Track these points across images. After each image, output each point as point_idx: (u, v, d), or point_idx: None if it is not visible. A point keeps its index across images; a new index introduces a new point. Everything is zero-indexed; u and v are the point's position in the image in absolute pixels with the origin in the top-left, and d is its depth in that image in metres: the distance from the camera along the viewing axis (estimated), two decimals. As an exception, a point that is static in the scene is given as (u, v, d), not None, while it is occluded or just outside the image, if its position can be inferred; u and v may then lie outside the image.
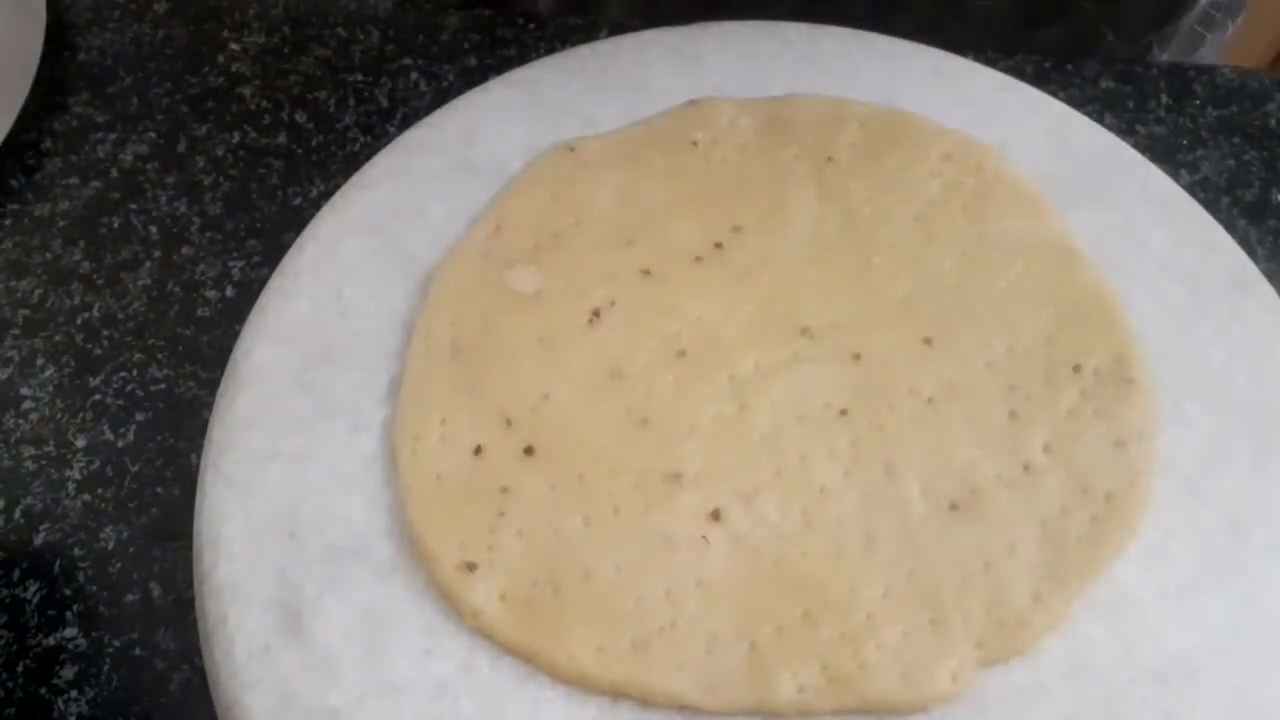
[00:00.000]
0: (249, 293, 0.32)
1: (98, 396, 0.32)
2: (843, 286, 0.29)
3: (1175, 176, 0.32)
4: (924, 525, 0.26)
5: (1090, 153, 0.32)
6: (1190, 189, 0.32)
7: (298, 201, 0.35)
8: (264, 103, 0.38)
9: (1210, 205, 0.31)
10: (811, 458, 0.26)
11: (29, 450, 0.31)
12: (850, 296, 0.29)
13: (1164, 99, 0.37)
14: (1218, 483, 0.26)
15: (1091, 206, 0.31)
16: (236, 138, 0.37)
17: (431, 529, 0.26)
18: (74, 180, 0.36)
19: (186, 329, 0.33)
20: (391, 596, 0.25)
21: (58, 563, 0.29)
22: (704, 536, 0.25)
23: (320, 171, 0.36)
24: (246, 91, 0.38)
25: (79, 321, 0.33)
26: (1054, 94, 0.34)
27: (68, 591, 0.29)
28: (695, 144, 0.32)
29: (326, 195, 0.32)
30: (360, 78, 0.38)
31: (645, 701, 0.24)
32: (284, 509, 0.26)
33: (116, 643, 0.28)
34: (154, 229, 0.35)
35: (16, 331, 0.33)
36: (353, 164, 0.32)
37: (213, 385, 0.29)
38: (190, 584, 0.26)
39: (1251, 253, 0.30)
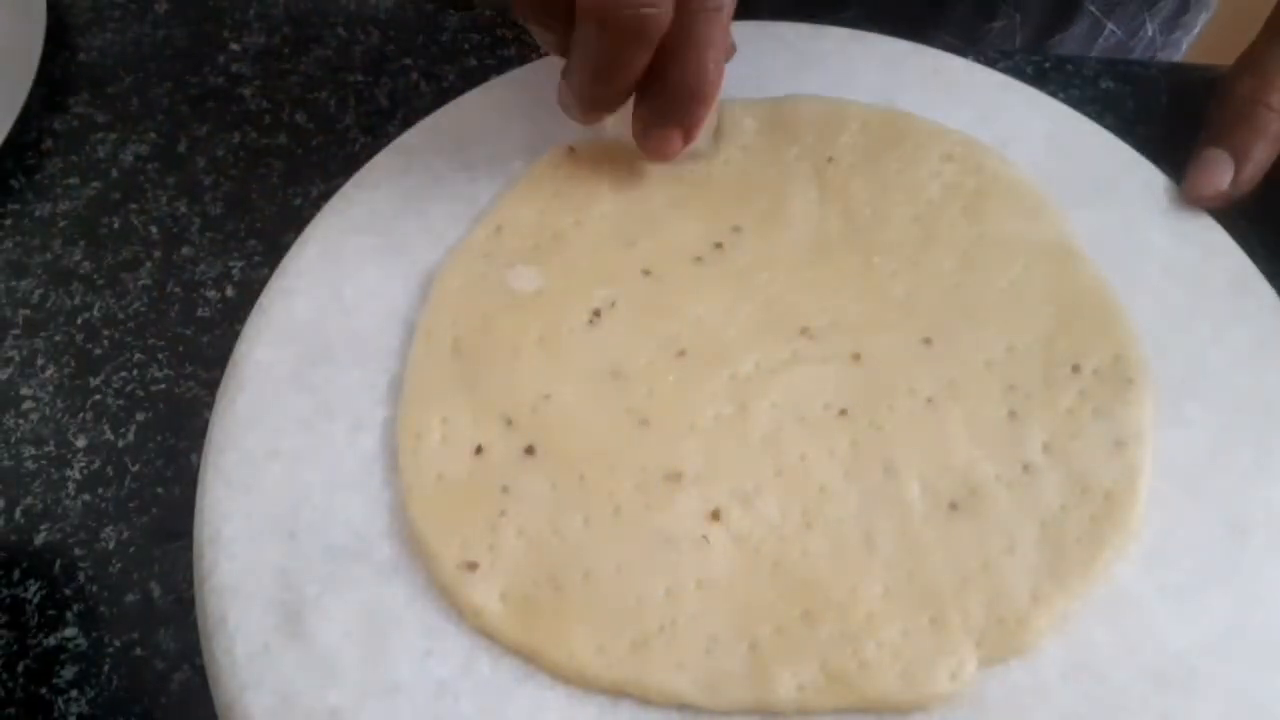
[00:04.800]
0: (249, 293, 0.32)
1: (98, 396, 0.32)
2: (843, 287, 0.29)
3: (1175, 177, 0.32)
4: (924, 525, 0.26)
5: (1090, 153, 0.32)
6: (1190, 189, 0.32)
7: (298, 202, 0.35)
8: (264, 103, 0.38)
9: (1210, 205, 0.31)
10: (811, 458, 0.26)
11: (29, 450, 0.31)
12: (850, 297, 0.29)
13: (1164, 99, 0.37)
14: (1218, 483, 0.27)
15: (1092, 207, 0.31)
16: (237, 138, 0.37)
17: (432, 528, 0.26)
18: (74, 180, 0.36)
19: (187, 329, 0.33)
20: (392, 596, 0.25)
21: (58, 563, 0.29)
22: (704, 536, 0.25)
23: (320, 172, 0.36)
24: (247, 92, 0.38)
25: (79, 321, 0.33)
26: (1054, 94, 0.34)
27: (68, 591, 0.29)
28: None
29: (327, 195, 0.32)
30: (360, 78, 0.38)
31: (645, 701, 0.24)
32: (284, 509, 0.26)
33: (117, 642, 0.28)
34: (154, 229, 0.35)
35: (17, 331, 0.33)
36: (353, 164, 0.32)
37: (213, 385, 0.29)
38: (190, 584, 0.26)
39: (1251, 252, 0.30)
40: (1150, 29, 0.48)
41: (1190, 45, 0.51)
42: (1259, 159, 0.31)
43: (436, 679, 0.24)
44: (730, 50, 0.31)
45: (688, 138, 0.30)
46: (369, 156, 0.32)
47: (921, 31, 0.35)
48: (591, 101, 0.29)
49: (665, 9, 0.26)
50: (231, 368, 0.28)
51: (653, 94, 0.28)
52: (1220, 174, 0.31)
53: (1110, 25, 0.46)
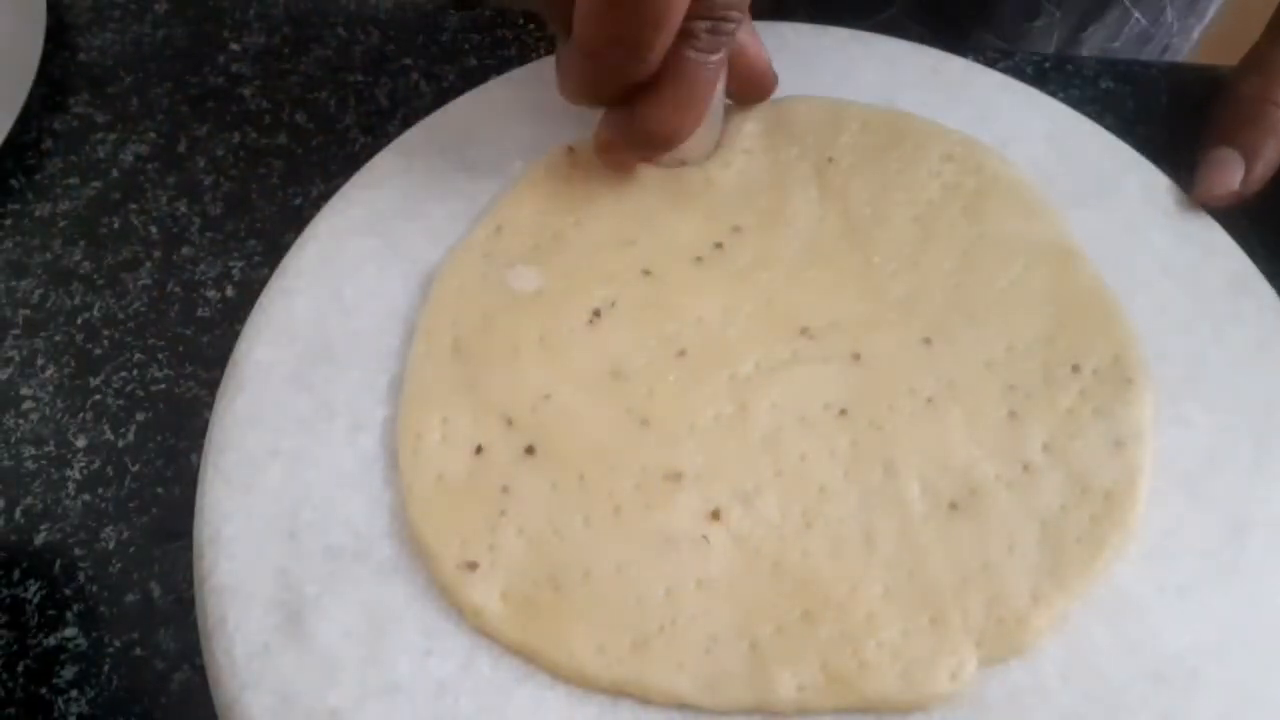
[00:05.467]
0: (249, 293, 0.32)
1: (98, 396, 0.32)
2: (843, 286, 0.29)
3: (1175, 176, 0.32)
4: (924, 525, 0.26)
5: (1090, 153, 0.32)
6: (1190, 189, 0.32)
7: (298, 202, 0.35)
8: (264, 103, 0.38)
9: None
10: (811, 457, 0.27)
11: (29, 450, 0.31)
12: (850, 296, 0.29)
13: (1164, 99, 0.37)
14: (1217, 483, 0.27)
15: (1091, 207, 0.31)
16: (237, 138, 0.37)
17: (432, 528, 0.26)
18: (74, 180, 0.36)
19: (187, 329, 0.33)
20: (392, 596, 0.25)
21: (58, 563, 0.29)
22: (704, 536, 0.25)
23: (320, 172, 0.36)
24: (247, 91, 0.38)
25: (79, 321, 0.33)
26: (1054, 94, 0.34)
27: (68, 591, 0.29)
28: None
29: (326, 195, 0.32)
30: (360, 78, 0.38)
31: (645, 700, 0.24)
32: (284, 509, 0.26)
33: (117, 643, 0.28)
34: (154, 229, 0.35)
35: (17, 331, 0.33)
36: (353, 164, 0.32)
37: (213, 385, 0.29)
38: (190, 584, 0.26)
39: (1251, 253, 0.30)
40: (1170, 14, 0.48)
41: (1203, 33, 0.52)
42: (1269, 158, 0.31)
43: (436, 679, 0.24)
44: (769, 81, 0.31)
45: (648, 160, 0.30)
46: (369, 156, 0.32)
47: (964, 31, 0.35)
48: (575, 97, 0.29)
49: (652, 60, 0.26)
50: (231, 368, 0.28)
51: (620, 117, 0.28)
52: (1231, 173, 0.31)
53: (1136, 13, 0.46)
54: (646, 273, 0.30)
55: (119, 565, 0.29)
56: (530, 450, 0.27)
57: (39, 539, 0.30)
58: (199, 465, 0.27)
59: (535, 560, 0.25)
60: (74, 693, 0.27)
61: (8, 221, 0.35)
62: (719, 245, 0.30)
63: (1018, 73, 0.35)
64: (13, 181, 0.36)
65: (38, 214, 0.35)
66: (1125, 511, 0.26)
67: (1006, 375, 0.28)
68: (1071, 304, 0.29)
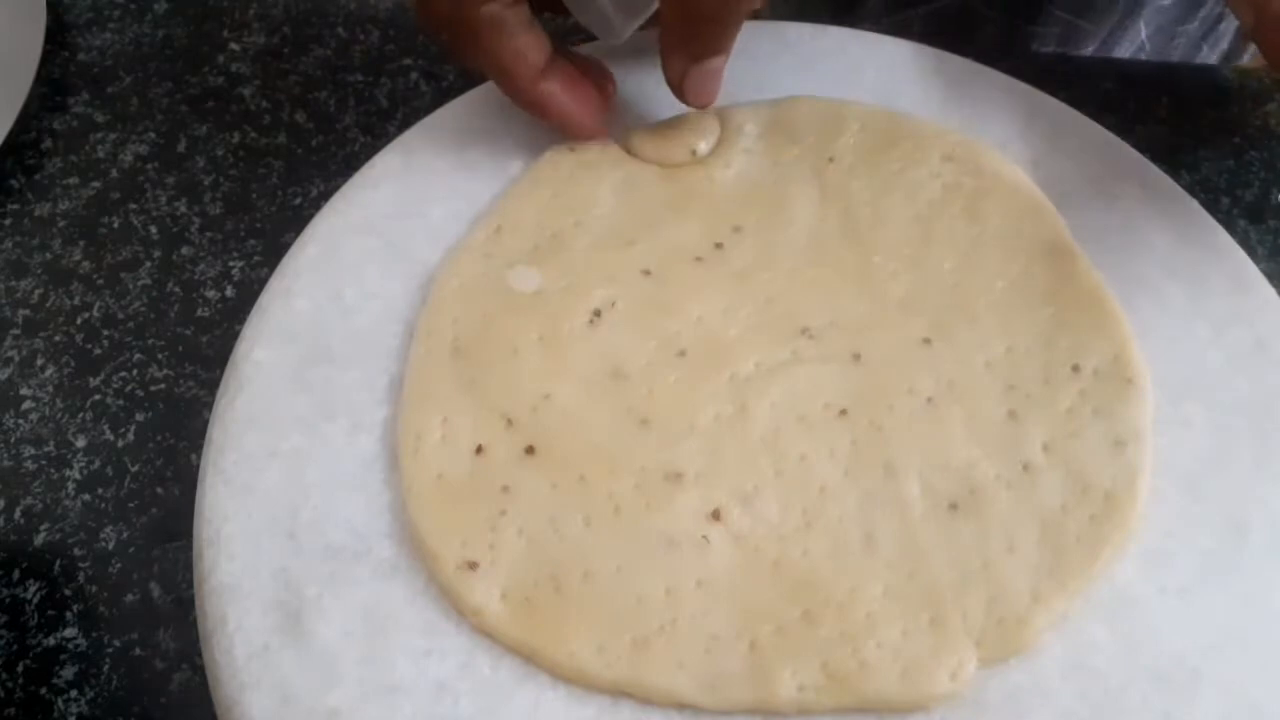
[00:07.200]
0: (249, 293, 0.32)
1: (98, 396, 0.32)
2: (843, 287, 0.29)
3: (1175, 177, 0.32)
4: (924, 525, 0.26)
5: (1090, 153, 0.32)
6: (1190, 189, 0.32)
7: (298, 201, 0.35)
8: (264, 103, 0.38)
9: (1210, 205, 0.31)
10: (811, 458, 0.27)
11: (29, 450, 0.31)
12: (850, 297, 0.29)
13: (1164, 99, 0.37)
14: (1217, 483, 0.27)
15: (1091, 207, 0.31)
16: (236, 138, 0.37)
17: (432, 528, 0.26)
18: (74, 180, 0.36)
19: (186, 329, 0.33)
20: (392, 596, 0.25)
21: (58, 563, 0.29)
22: (704, 536, 0.25)
23: (320, 171, 0.36)
24: (246, 91, 0.38)
25: (79, 321, 0.33)
26: (1054, 94, 0.34)
27: (68, 591, 0.29)
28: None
29: (326, 195, 0.32)
30: (360, 78, 0.38)
31: (645, 700, 0.24)
32: (284, 509, 0.26)
33: (116, 643, 0.28)
34: (154, 229, 0.35)
35: (16, 331, 0.33)
36: (353, 164, 0.32)
37: (213, 385, 0.29)
38: (190, 584, 0.26)
39: (1251, 253, 0.30)
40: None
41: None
42: None
43: (436, 679, 0.24)
44: None
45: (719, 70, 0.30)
46: (369, 156, 0.32)
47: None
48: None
49: None
50: (231, 368, 0.28)
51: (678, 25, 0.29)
52: None
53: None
54: (646, 273, 0.30)
55: (119, 565, 0.29)
56: (530, 450, 0.27)
57: (39, 539, 0.30)
58: (199, 465, 0.27)
59: (535, 560, 0.25)
60: (74, 693, 0.27)
61: (8, 221, 0.35)
62: (719, 245, 0.30)
63: (1018, 73, 0.35)
64: (13, 181, 0.36)
65: (37, 214, 0.36)
66: (1125, 511, 0.26)
67: (1006, 375, 0.28)
68: (1071, 304, 0.29)
